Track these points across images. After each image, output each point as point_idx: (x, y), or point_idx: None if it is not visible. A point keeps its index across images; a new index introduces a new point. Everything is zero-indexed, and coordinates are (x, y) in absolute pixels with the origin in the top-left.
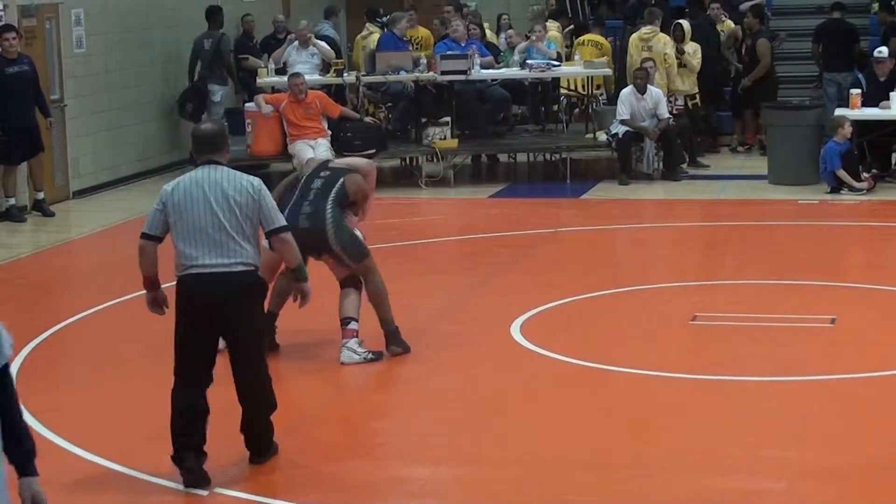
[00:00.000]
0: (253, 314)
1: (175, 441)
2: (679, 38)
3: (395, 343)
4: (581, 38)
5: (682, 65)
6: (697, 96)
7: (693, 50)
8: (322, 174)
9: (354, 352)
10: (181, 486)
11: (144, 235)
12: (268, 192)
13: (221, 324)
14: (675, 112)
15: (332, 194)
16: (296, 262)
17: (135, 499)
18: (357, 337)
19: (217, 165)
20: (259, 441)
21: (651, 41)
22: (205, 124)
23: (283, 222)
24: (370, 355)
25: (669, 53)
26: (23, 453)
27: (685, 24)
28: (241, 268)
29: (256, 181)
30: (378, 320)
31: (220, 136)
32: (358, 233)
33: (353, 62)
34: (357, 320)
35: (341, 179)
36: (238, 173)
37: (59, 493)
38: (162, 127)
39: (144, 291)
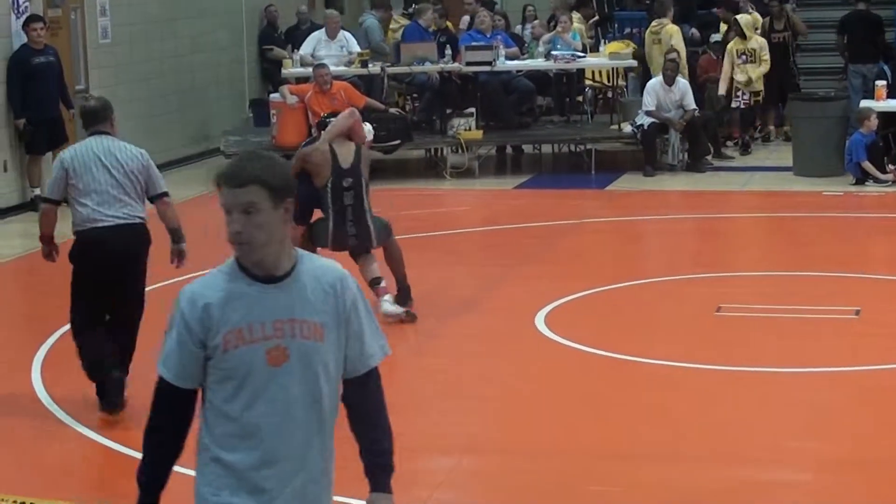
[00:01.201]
0: (143, 266)
1: (94, 376)
2: (739, 34)
3: (406, 299)
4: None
5: (749, 60)
6: (761, 94)
7: (760, 46)
8: (346, 183)
9: (392, 304)
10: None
11: (47, 200)
12: (152, 162)
13: (116, 274)
14: (742, 107)
15: (365, 200)
16: (176, 224)
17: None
18: (389, 293)
19: (105, 135)
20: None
21: (660, 34)
22: (90, 101)
23: (165, 188)
24: (407, 313)
25: (677, 45)
26: (376, 466)
27: (742, 18)
28: (136, 220)
29: (144, 151)
30: (395, 279)
31: (104, 109)
32: None
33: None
34: (384, 279)
35: (363, 180)
36: (126, 143)
37: (87, 484)
38: (187, 117)
39: (42, 246)
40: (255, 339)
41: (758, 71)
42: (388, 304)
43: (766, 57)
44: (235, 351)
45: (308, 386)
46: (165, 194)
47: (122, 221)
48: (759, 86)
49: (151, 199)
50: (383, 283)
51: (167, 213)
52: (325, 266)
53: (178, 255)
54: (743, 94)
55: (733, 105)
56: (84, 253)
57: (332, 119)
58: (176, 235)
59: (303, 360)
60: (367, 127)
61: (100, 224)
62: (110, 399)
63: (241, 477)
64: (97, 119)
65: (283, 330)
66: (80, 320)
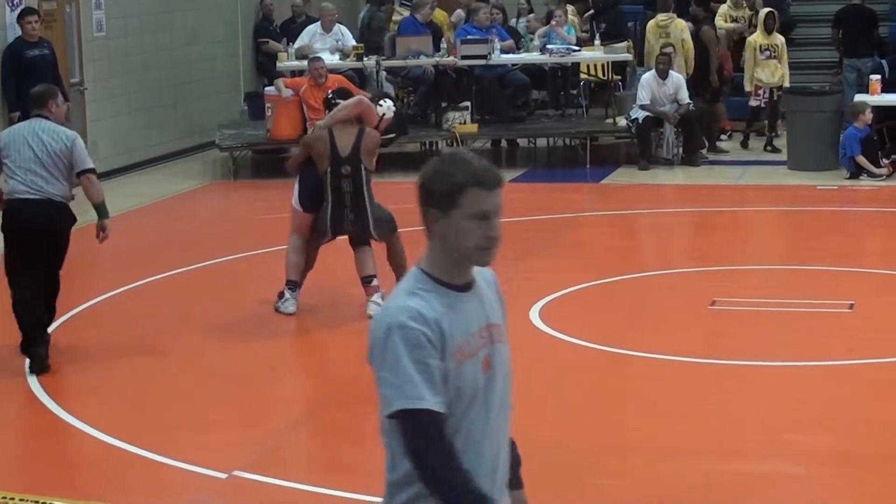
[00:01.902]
0: (60, 242)
1: (28, 335)
2: (770, 28)
3: None
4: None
5: (772, 56)
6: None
7: (781, 42)
8: (345, 171)
9: (379, 307)
10: (199, 468)
11: None
12: (81, 143)
13: (34, 244)
14: (762, 105)
15: (365, 188)
16: (99, 200)
17: (151, 479)
18: (381, 291)
19: (41, 119)
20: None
21: (669, 27)
22: (38, 87)
23: (91, 165)
24: None
25: (687, 39)
26: (515, 460)
27: (764, 12)
28: (55, 197)
29: (71, 133)
30: (395, 277)
31: (45, 95)
32: None
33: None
34: (377, 276)
35: (362, 168)
36: (58, 126)
37: (77, 474)
38: (181, 111)
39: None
40: (473, 350)
41: (780, 70)
42: (376, 306)
43: (785, 55)
44: (463, 366)
45: (505, 389)
46: (89, 171)
47: (39, 196)
48: (783, 82)
49: (78, 177)
50: (375, 283)
51: (89, 190)
52: None
53: (101, 230)
54: (764, 92)
55: (753, 103)
56: (7, 220)
57: (338, 100)
58: (99, 211)
59: (500, 365)
60: (387, 104)
61: (20, 196)
62: (38, 366)
63: None
64: (36, 103)
65: (486, 337)
66: (13, 288)
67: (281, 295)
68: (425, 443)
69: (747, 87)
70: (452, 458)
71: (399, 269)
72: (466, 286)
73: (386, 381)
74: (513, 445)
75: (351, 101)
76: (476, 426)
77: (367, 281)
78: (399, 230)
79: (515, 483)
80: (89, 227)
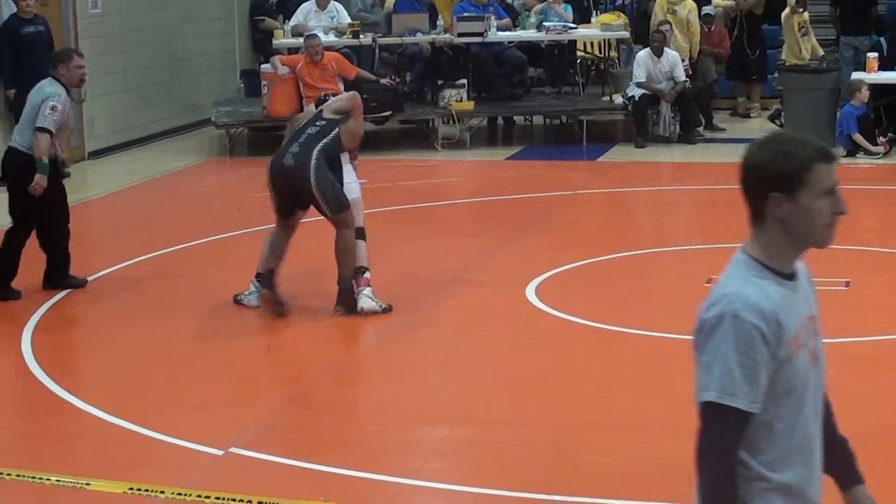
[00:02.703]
0: (14, 189)
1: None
2: (802, 4)
3: (343, 303)
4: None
5: (805, 34)
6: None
7: (807, 19)
8: (318, 123)
9: (372, 299)
10: (196, 445)
11: None
12: (52, 104)
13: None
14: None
15: (323, 142)
16: (37, 156)
17: (149, 456)
18: (370, 286)
19: (50, 77)
20: None
21: (677, 6)
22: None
23: (43, 125)
24: (384, 305)
25: (693, 22)
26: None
27: None
28: (22, 148)
29: (49, 92)
30: (337, 275)
31: (54, 57)
32: (356, 185)
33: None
34: (369, 270)
35: (336, 129)
36: (46, 84)
37: (75, 454)
38: (177, 88)
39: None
40: (803, 342)
41: (811, 43)
42: (369, 300)
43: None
44: (796, 357)
45: (822, 384)
46: (39, 129)
47: (11, 144)
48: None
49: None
50: (367, 275)
51: (34, 145)
52: None
53: (38, 185)
54: None
55: None
56: None
57: (331, 96)
58: (36, 166)
59: (821, 358)
60: None
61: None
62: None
63: (797, 496)
64: (49, 64)
65: (811, 328)
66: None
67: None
68: (720, 445)
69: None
70: (733, 473)
71: (343, 264)
72: (793, 275)
73: (705, 366)
74: (845, 440)
75: (347, 94)
76: (804, 425)
77: (358, 272)
78: (349, 213)
79: (857, 478)
80: (83, 205)
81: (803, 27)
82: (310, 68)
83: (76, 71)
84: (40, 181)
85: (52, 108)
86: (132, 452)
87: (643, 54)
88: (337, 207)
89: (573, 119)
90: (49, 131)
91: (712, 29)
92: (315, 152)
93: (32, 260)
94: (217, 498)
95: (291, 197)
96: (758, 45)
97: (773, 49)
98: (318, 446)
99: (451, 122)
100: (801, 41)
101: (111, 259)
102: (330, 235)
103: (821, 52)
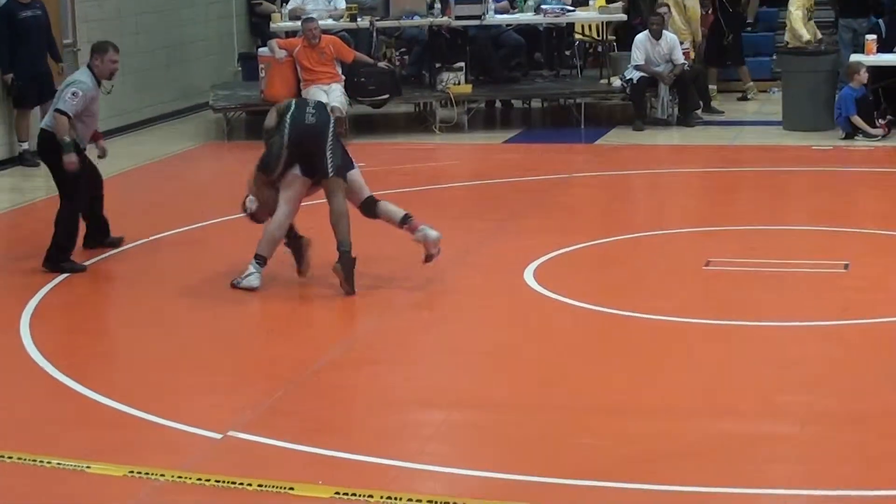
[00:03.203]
0: (51, 165)
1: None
2: None
3: (343, 265)
4: None
5: (810, 17)
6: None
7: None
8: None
9: (432, 228)
10: (195, 429)
11: None
12: (73, 89)
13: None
14: None
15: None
16: (58, 137)
17: (147, 439)
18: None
19: (85, 67)
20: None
21: None
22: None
23: (61, 107)
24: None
25: (691, 6)
26: None
27: None
28: (48, 128)
29: (73, 79)
30: (335, 241)
31: (93, 49)
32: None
33: None
34: (410, 215)
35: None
36: (77, 73)
37: (75, 437)
38: (175, 72)
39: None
40: None
41: (813, 29)
42: (429, 230)
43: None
44: None
45: None
46: (56, 110)
47: (41, 125)
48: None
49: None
50: (413, 219)
51: (53, 126)
52: None
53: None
54: None
55: None
56: None
57: None
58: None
59: None
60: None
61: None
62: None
63: None
64: (90, 53)
65: None
66: None
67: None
68: None
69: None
70: None
71: (340, 227)
72: None
73: None
74: None
75: None
76: None
77: (405, 221)
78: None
79: None
80: None
81: (808, 11)
82: (307, 52)
83: (109, 65)
84: (67, 159)
85: (73, 94)
86: (131, 435)
87: (642, 36)
88: (336, 170)
89: (571, 102)
90: (66, 114)
91: (709, 12)
92: (330, 116)
93: (28, 243)
94: (216, 481)
95: (304, 156)
96: (734, 30)
97: (773, 31)
98: (316, 430)
99: (448, 105)
100: (808, 25)
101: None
102: (324, 225)
103: (818, 34)
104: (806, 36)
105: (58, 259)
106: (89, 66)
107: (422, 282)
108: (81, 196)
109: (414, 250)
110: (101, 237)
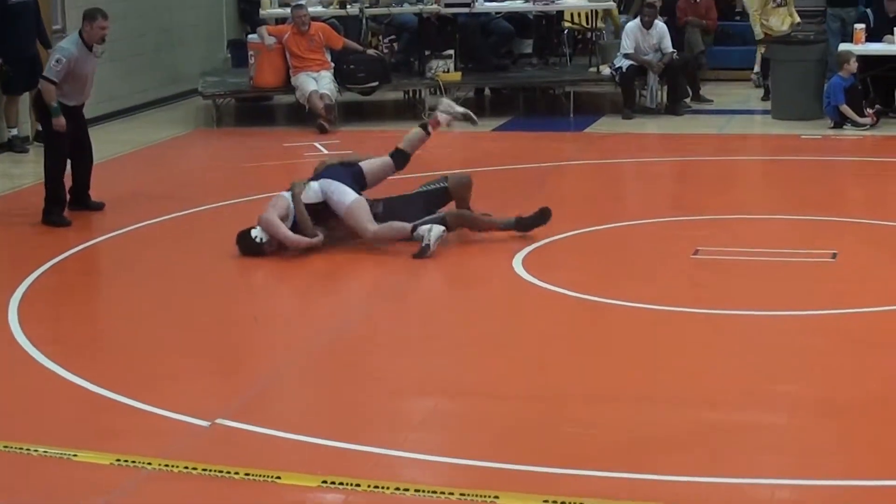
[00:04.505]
0: (42, 123)
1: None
2: None
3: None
4: None
5: (782, 4)
6: None
7: None
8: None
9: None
10: (182, 416)
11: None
12: (57, 56)
13: None
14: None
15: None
16: (45, 102)
17: (135, 427)
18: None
19: (76, 32)
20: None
21: None
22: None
23: (47, 74)
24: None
25: None
26: None
27: None
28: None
29: (59, 47)
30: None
31: (83, 16)
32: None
33: None
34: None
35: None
36: (65, 39)
37: (61, 425)
38: (164, 58)
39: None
40: None
41: (789, 18)
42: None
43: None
44: None
45: None
46: (44, 77)
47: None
48: (791, 29)
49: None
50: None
51: (42, 92)
52: None
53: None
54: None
55: (764, 52)
56: None
57: None
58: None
59: None
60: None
61: None
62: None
63: None
64: (82, 19)
65: None
66: None
67: None
68: None
69: (758, 36)
70: None
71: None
72: None
73: None
74: None
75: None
76: None
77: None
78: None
79: None
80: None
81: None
82: (297, 39)
83: (98, 31)
84: (56, 122)
85: (57, 61)
86: (118, 423)
87: (632, 25)
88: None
89: (560, 90)
90: (52, 81)
91: (699, 0)
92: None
93: (17, 229)
94: (204, 469)
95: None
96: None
97: None
98: (304, 418)
99: (438, 92)
100: (773, 12)
101: (98, 229)
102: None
103: (797, 18)
104: (756, 29)
105: (48, 212)
106: (80, 32)
107: (410, 269)
108: (62, 152)
109: (402, 242)
110: (83, 200)
